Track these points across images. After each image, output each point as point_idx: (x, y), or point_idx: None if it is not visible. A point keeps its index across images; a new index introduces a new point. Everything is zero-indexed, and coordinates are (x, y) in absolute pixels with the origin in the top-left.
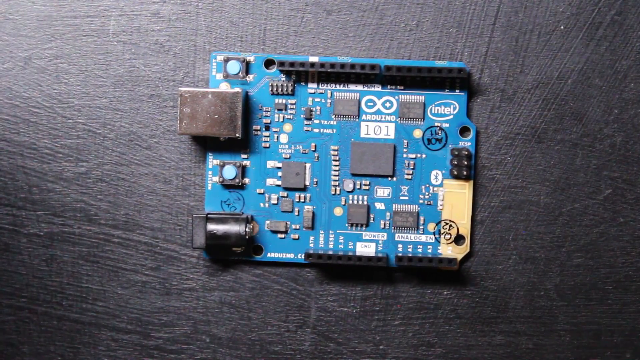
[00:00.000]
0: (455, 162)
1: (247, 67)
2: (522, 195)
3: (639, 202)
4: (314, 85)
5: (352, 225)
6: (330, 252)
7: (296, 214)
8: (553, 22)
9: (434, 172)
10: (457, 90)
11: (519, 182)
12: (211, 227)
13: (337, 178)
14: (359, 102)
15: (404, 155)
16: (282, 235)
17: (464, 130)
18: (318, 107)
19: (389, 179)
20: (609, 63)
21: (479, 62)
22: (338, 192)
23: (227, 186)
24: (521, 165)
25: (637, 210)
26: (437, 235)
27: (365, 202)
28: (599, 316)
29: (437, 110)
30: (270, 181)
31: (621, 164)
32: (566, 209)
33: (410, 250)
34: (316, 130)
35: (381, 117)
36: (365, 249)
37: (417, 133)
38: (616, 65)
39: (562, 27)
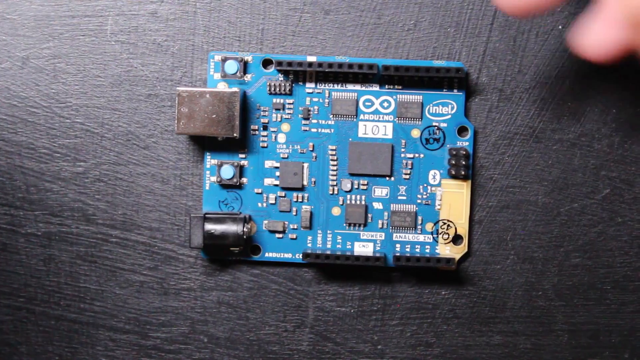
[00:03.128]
0: (453, 162)
1: (244, 66)
2: (520, 195)
3: (637, 202)
4: (312, 85)
5: (350, 225)
6: (328, 252)
7: (294, 213)
8: (551, 22)
9: (431, 172)
10: (455, 90)
11: (517, 182)
12: (209, 226)
13: (335, 178)
14: (357, 101)
15: (402, 155)
16: (280, 235)
17: (461, 130)
18: (316, 107)
19: (387, 178)
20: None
21: (476, 62)
22: (336, 192)
23: (224, 186)
24: (519, 165)
25: (635, 210)
26: (435, 235)
27: (363, 202)
28: (597, 316)
29: (435, 110)
30: (268, 181)
31: (619, 164)
32: (564, 209)
33: (408, 250)
34: (314, 130)
35: (379, 117)
36: (363, 248)
37: (415, 133)
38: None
39: (560, 27)
